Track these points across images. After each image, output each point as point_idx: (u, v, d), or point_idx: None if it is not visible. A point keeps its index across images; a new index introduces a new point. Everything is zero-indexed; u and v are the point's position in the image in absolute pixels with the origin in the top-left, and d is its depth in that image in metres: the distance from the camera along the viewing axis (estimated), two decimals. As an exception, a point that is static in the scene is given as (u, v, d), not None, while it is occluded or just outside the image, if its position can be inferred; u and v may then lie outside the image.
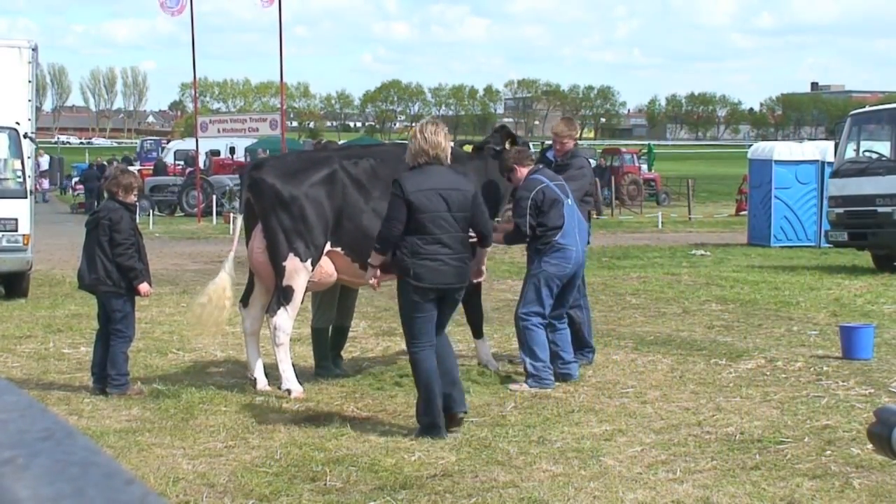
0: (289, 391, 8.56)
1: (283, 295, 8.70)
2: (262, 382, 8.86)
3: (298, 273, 8.70)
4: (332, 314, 9.72)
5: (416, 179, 7.29)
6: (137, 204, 9.39)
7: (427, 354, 7.31)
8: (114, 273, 8.83)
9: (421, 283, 7.21)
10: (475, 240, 7.78)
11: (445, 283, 7.27)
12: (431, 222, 7.22)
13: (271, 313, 8.78)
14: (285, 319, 8.69)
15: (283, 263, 8.69)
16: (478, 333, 9.67)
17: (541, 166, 9.39)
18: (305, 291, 8.92)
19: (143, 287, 8.92)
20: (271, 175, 8.84)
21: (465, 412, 7.51)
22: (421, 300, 7.25)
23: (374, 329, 12.08)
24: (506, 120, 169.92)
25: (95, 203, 41.07)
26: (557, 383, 8.97)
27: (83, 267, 9.00)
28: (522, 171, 9.06)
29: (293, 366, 8.83)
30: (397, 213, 7.26)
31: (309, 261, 8.70)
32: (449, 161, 7.51)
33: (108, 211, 8.98)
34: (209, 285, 9.00)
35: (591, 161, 46.87)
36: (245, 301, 9.13)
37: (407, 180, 7.29)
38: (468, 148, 10.18)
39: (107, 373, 8.81)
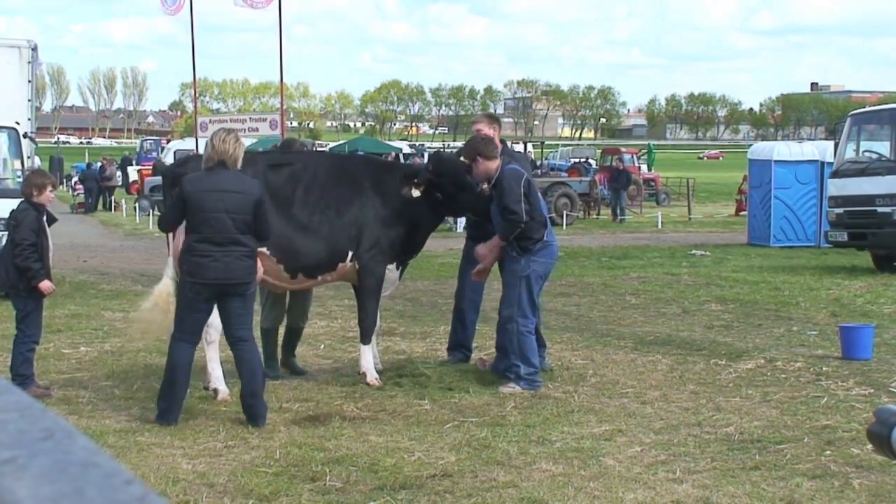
0: (216, 391, 8.45)
1: None
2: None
3: None
4: (281, 314, 9.62)
5: (199, 181, 7.66)
6: (48, 205, 9.26)
7: (182, 347, 7.71)
8: (12, 273, 8.88)
9: (193, 278, 7.52)
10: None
11: (216, 278, 7.50)
12: (204, 222, 7.52)
13: None
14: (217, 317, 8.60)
15: None
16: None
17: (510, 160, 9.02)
18: None
19: (44, 285, 8.88)
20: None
21: (262, 426, 7.50)
22: (195, 297, 7.60)
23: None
24: (505, 121, 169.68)
25: (94, 203, 41.16)
26: (557, 383, 8.99)
27: None
28: (486, 164, 8.68)
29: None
30: (172, 210, 7.85)
31: None
32: (238, 167, 7.77)
33: (15, 212, 9.03)
34: (154, 290, 8.65)
35: (592, 162, 47.07)
36: None
37: (188, 181, 7.69)
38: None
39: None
